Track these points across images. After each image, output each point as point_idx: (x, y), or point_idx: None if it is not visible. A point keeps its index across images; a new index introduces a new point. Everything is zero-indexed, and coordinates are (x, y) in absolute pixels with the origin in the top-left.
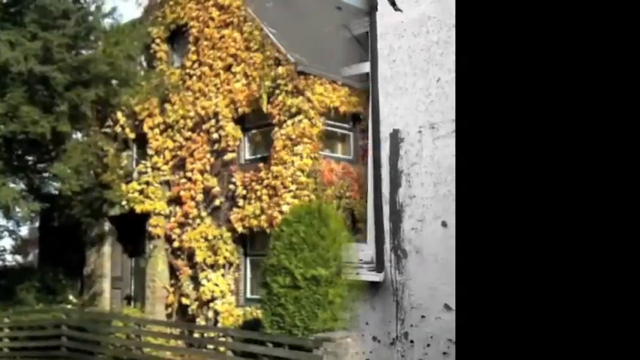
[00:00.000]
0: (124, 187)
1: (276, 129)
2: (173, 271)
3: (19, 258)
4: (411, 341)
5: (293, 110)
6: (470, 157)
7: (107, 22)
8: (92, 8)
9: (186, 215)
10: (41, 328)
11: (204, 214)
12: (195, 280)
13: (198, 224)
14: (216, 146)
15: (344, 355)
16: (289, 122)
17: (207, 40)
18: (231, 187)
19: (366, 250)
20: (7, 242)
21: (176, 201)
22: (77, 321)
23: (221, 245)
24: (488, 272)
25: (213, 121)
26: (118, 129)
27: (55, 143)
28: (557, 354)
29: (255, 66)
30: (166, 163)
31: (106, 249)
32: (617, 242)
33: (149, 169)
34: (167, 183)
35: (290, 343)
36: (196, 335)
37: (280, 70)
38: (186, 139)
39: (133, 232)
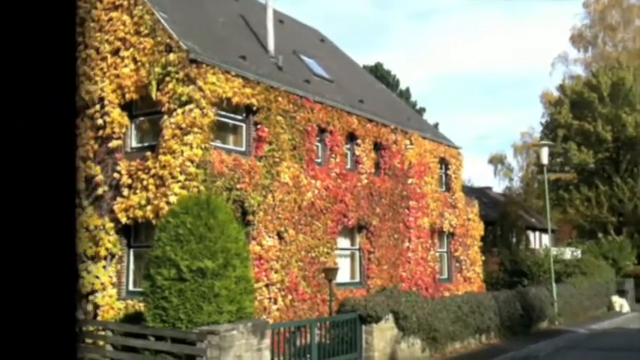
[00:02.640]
0: None
1: (165, 117)
2: None
3: None
4: None
5: (184, 99)
6: None
7: None
8: None
9: None
10: None
11: (85, 203)
12: None
13: (79, 214)
14: (100, 132)
15: (229, 347)
16: (179, 111)
17: (94, 21)
18: (116, 175)
19: None
20: None
21: None
22: None
23: (103, 236)
24: None
25: (98, 107)
26: None
27: None
28: None
29: (144, 51)
30: None
31: None
32: None
33: None
34: None
35: (173, 336)
36: None
37: (171, 56)
38: None
39: None
